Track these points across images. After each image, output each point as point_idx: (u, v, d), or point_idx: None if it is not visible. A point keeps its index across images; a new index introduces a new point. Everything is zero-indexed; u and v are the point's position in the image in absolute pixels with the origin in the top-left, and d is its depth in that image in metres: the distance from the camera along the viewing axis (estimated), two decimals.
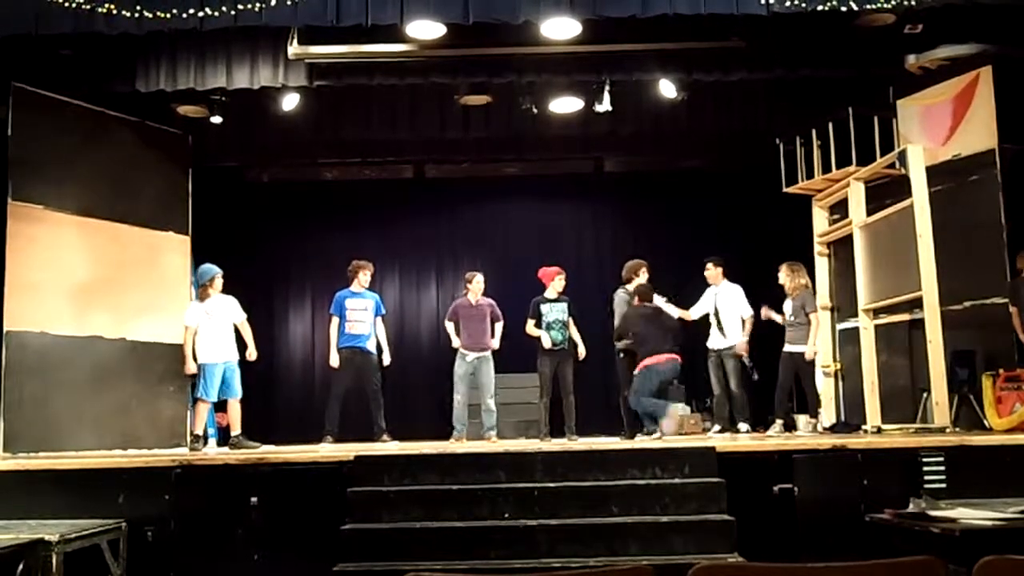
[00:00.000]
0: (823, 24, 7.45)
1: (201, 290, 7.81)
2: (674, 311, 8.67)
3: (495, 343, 8.67)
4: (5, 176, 7.85)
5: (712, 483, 5.57)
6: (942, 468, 5.52)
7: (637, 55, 8.35)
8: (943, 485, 5.45)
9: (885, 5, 7.02)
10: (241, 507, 5.65)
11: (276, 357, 11.63)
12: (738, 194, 10.73)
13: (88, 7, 6.86)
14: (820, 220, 9.46)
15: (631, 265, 8.66)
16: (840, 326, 9.17)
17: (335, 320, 8.57)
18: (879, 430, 7.92)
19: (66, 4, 6.83)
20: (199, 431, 7.72)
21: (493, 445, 7.56)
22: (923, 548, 4.00)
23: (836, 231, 9.14)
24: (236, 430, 7.71)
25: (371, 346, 8.57)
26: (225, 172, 10.73)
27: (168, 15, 6.91)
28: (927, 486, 5.42)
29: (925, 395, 7.55)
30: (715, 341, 8.99)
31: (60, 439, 7.86)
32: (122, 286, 8.60)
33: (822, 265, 9.41)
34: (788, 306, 8.65)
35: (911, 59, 8.27)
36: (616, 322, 8.43)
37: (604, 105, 8.89)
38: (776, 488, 5.63)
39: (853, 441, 6.16)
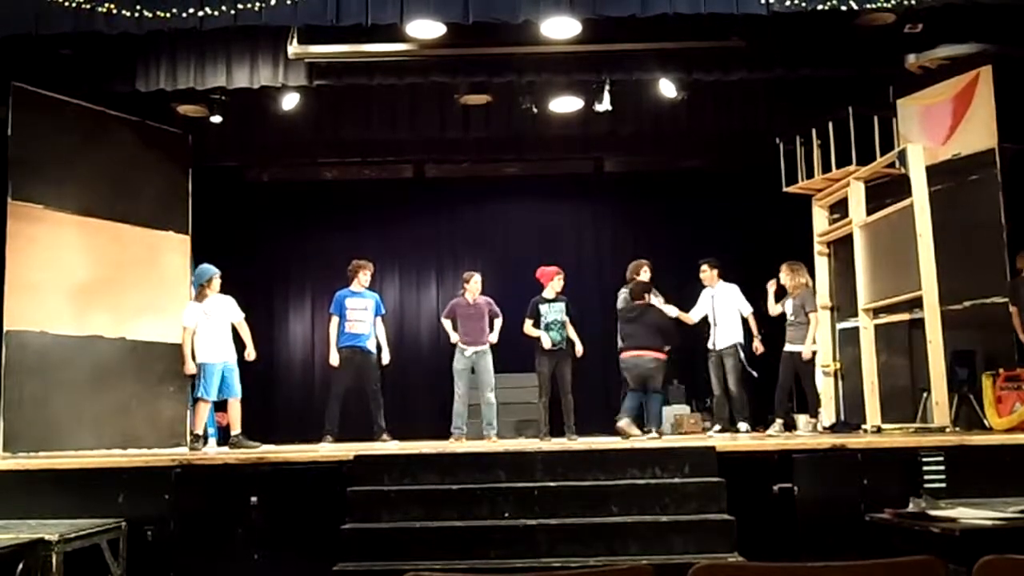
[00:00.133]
0: (823, 24, 7.45)
1: (199, 290, 7.81)
2: (672, 311, 8.67)
3: (494, 337, 8.68)
4: (5, 176, 7.85)
5: (712, 483, 5.57)
6: (942, 468, 5.52)
7: (637, 55, 8.35)
8: (943, 485, 5.45)
9: (885, 5, 7.03)
10: (241, 507, 5.65)
11: (276, 357, 11.63)
12: (738, 194, 10.73)
13: (88, 7, 6.86)
14: (820, 220, 9.46)
15: (632, 265, 8.74)
16: (840, 326, 9.17)
17: (335, 320, 8.57)
18: (879, 430, 7.93)
19: (66, 4, 6.83)
20: (199, 431, 7.72)
21: (493, 445, 7.56)
22: (923, 548, 3.99)
23: (836, 231, 9.14)
24: (236, 430, 7.71)
25: (371, 346, 8.57)
26: (225, 172, 10.73)
27: (168, 15, 6.91)
28: (927, 486, 5.42)
29: (925, 395, 7.55)
30: (715, 341, 8.99)
31: (60, 439, 7.85)
32: (122, 286, 8.60)
33: (822, 265, 9.41)
34: (789, 305, 8.65)
35: (911, 59, 8.27)
36: None
37: (604, 105, 8.89)
38: (776, 488, 5.63)
39: (853, 441, 6.16)
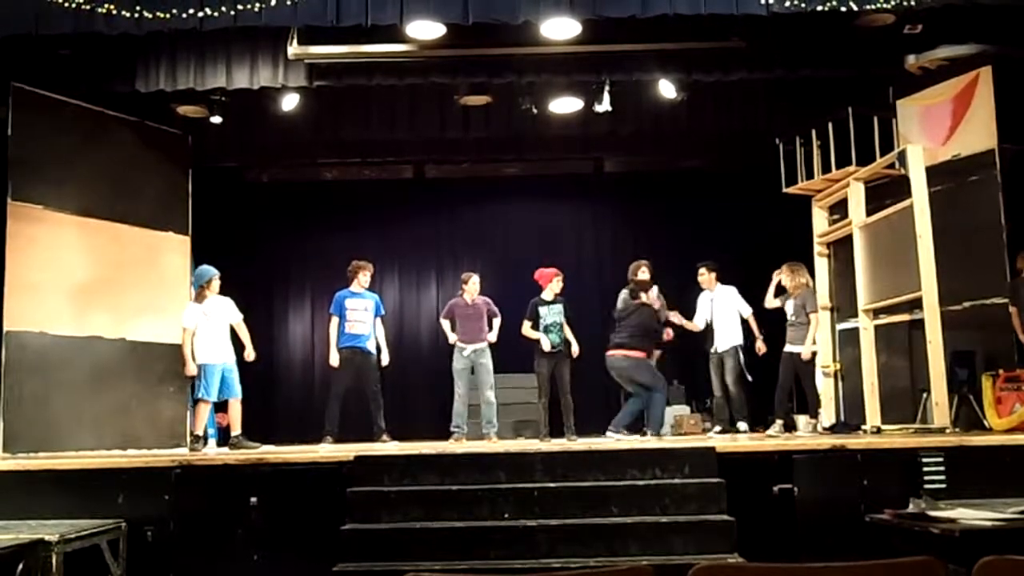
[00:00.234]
0: (823, 24, 7.46)
1: (198, 291, 7.81)
2: (675, 317, 8.67)
3: (492, 337, 8.69)
4: (5, 176, 7.85)
5: (712, 483, 5.57)
6: (942, 468, 5.52)
7: (637, 55, 8.35)
8: (943, 485, 5.45)
9: (885, 5, 7.03)
10: (241, 507, 5.65)
11: (276, 357, 11.63)
12: (738, 194, 10.73)
13: (88, 7, 6.86)
14: (820, 220, 9.46)
15: (632, 266, 8.75)
16: (840, 326, 9.16)
17: (335, 320, 8.57)
18: (879, 430, 7.92)
19: (66, 4, 6.83)
20: (199, 431, 7.72)
21: (493, 445, 7.56)
22: (923, 548, 3.99)
23: (836, 231, 9.14)
24: (236, 430, 7.71)
25: (371, 346, 8.57)
26: (225, 172, 10.73)
27: (168, 15, 6.91)
28: (927, 486, 5.42)
29: (925, 395, 7.55)
30: (715, 343, 8.99)
31: (60, 439, 7.86)
32: (122, 286, 8.60)
33: (822, 265, 9.41)
34: (790, 306, 8.66)
35: (911, 59, 8.27)
36: None
37: (604, 105, 8.89)
38: (776, 488, 5.63)
39: (853, 441, 6.16)
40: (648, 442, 7.15)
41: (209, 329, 7.68)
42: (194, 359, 7.65)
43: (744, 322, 9.03)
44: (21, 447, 7.50)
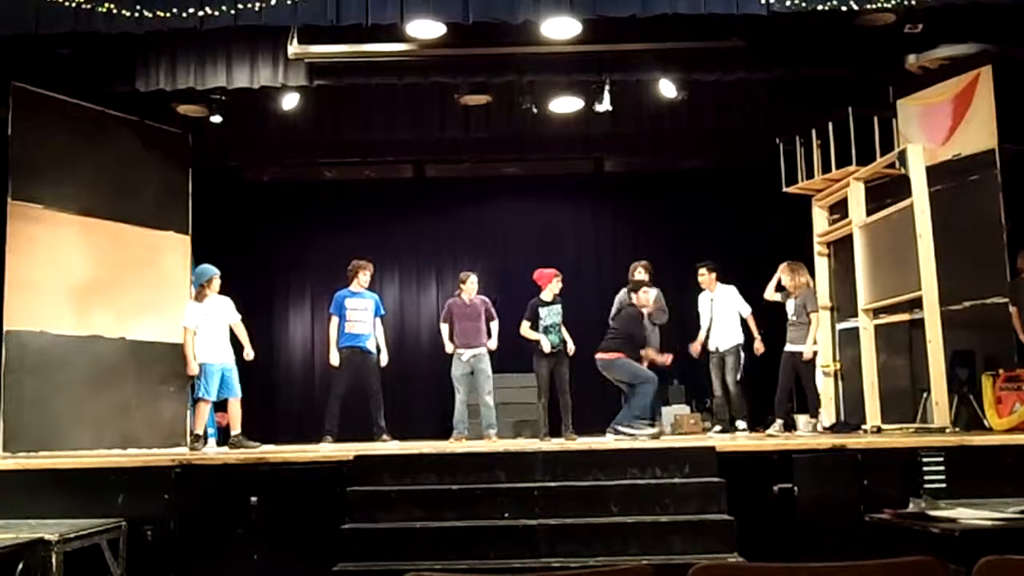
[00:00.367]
0: (823, 24, 7.46)
1: (199, 290, 7.79)
2: (694, 350, 8.73)
3: (492, 343, 8.67)
4: (5, 176, 7.85)
5: (712, 483, 5.57)
6: (942, 468, 5.52)
7: (637, 55, 8.36)
8: (943, 485, 5.45)
9: (885, 5, 7.03)
10: (241, 507, 5.64)
11: (276, 357, 11.63)
12: (738, 194, 10.73)
13: (88, 6, 6.86)
14: (820, 220, 9.46)
15: (631, 267, 8.75)
16: (840, 326, 9.17)
17: (335, 320, 8.57)
18: (879, 430, 7.92)
19: (66, 3, 6.83)
20: (199, 431, 7.72)
21: (493, 445, 7.55)
22: (923, 548, 3.99)
23: (836, 231, 9.14)
24: (236, 430, 7.70)
25: (371, 346, 8.57)
26: (225, 172, 10.73)
27: (168, 14, 6.91)
28: (927, 486, 5.42)
29: (925, 395, 7.55)
30: (716, 343, 9.00)
31: (60, 439, 7.86)
32: (122, 286, 8.60)
33: (822, 265, 9.41)
34: (790, 305, 8.65)
35: (911, 59, 8.27)
36: None
37: (604, 105, 8.89)
38: (776, 488, 5.63)
39: (853, 441, 6.15)
40: (648, 442, 7.14)
41: (209, 328, 7.67)
42: (194, 358, 7.64)
43: (744, 322, 9.03)
44: (21, 446, 7.50)
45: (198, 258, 8.68)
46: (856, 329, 8.60)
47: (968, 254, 7.78)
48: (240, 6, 6.91)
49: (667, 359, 8.24)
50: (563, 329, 8.45)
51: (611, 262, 10.80)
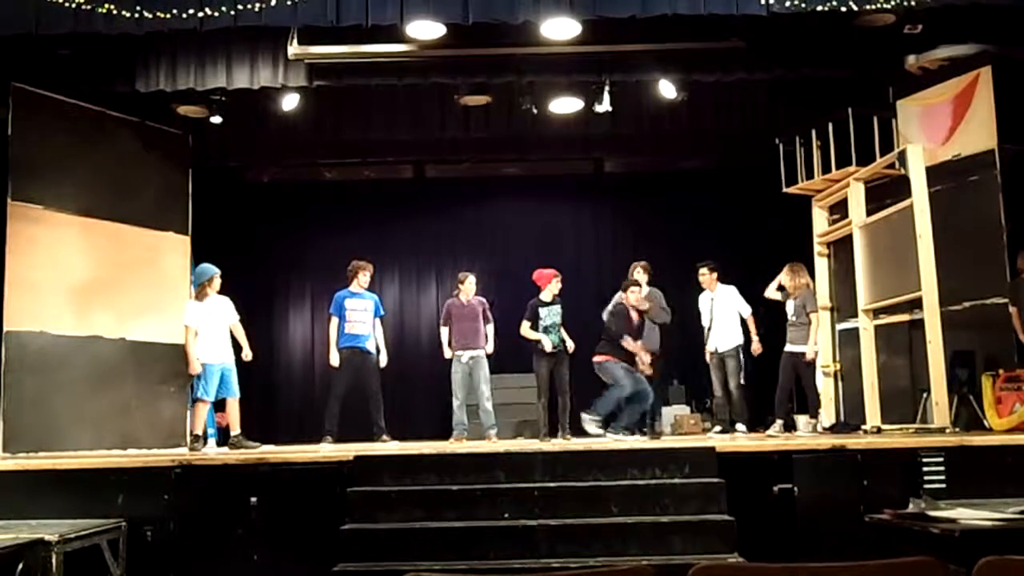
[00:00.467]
0: (823, 24, 7.46)
1: (199, 289, 7.79)
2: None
3: (489, 347, 8.67)
4: (5, 176, 7.85)
5: (712, 483, 5.57)
6: (942, 468, 5.52)
7: (637, 55, 8.36)
8: (943, 485, 5.45)
9: (885, 5, 7.03)
10: (241, 507, 5.64)
11: (276, 357, 11.63)
12: (738, 194, 10.74)
13: (88, 7, 6.86)
14: (820, 220, 9.46)
15: (630, 267, 8.76)
16: (840, 326, 9.17)
17: (335, 320, 8.57)
18: (879, 430, 7.92)
19: (66, 4, 6.83)
20: (198, 431, 7.72)
21: (493, 445, 7.55)
22: (923, 548, 3.99)
23: (836, 231, 9.15)
24: (235, 430, 7.70)
25: (371, 346, 8.57)
26: (225, 172, 10.73)
27: (168, 15, 6.91)
28: (927, 486, 5.42)
29: (925, 395, 7.55)
30: (716, 343, 9.00)
31: (60, 439, 7.86)
32: (122, 286, 8.60)
33: (822, 265, 9.41)
34: (790, 306, 8.66)
35: (911, 59, 8.27)
36: None
37: (604, 105, 8.90)
38: (776, 488, 5.62)
39: (853, 441, 6.16)
40: (648, 442, 7.15)
41: (210, 328, 7.68)
42: (196, 357, 7.64)
43: (744, 322, 9.03)
44: (21, 447, 7.50)
45: (198, 258, 8.68)
46: (856, 329, 8.61)
47: (968, 254, 7.78)
48: (240, 7, 6.91)
49: (645, 356, 8.05)
50: (562, 329, 8.46)
51: (611, 262, 10.81)
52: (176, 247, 9.20)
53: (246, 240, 11.10)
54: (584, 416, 7.80)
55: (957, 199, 7.96)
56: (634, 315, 8.16)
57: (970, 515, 4.41)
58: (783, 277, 8.71)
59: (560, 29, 7.69)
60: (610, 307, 8.37)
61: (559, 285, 8.57)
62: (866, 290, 8.37)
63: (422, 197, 11.70)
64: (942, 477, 5.49)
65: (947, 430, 7.12)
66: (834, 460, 5.73)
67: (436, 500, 5.54)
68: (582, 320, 8.86)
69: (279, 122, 9.47)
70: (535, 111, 9.25)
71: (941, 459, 5.54)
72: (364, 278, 8.68)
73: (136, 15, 6.91)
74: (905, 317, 8.12)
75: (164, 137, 9.18)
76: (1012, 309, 7.51)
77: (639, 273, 8.75)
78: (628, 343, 8.00)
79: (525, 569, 4.94)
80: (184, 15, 6.91)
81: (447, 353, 8.67)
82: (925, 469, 5.52)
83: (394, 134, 9.88)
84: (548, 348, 8.30)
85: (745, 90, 9.28)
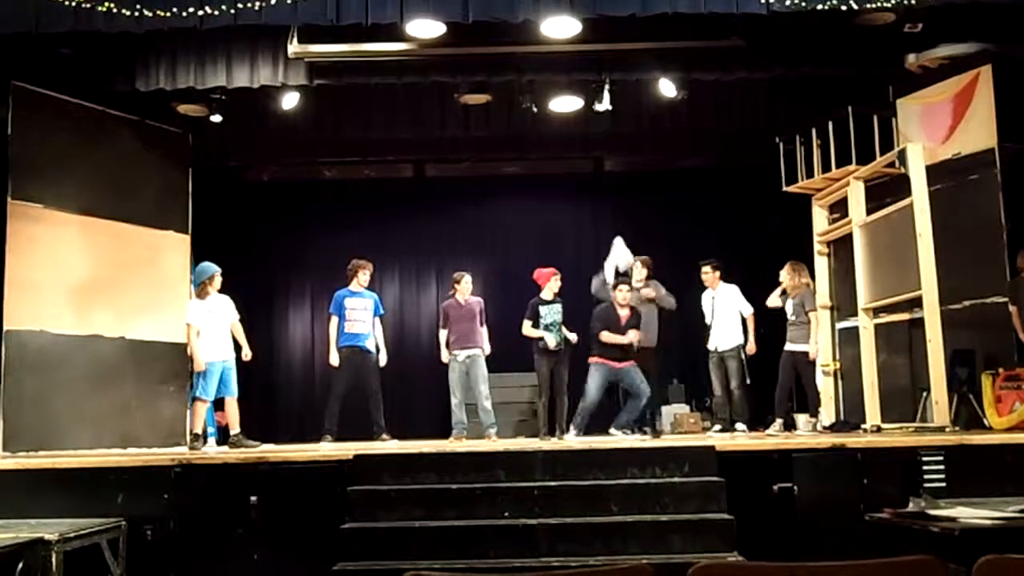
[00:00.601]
0: (823, 23, 7.46)
1: (200, 288, 7.79)
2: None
3: (486, 348, 8.67)
4: (5, 175, 7.84)
5: (712, 482, 5.57)
6: (942, 467, 5.52)
7: (637, 54, 8.36)
8: (943, 484, 5.45)
9: (885, 4, 7.02)
10: (241, 506, 5.64)
11: (276, 357, 11.63)
12: (738, 193, 10.73)
13: (88, 6, 6.85)
14: (820, 219, 9.46)
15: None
16: (840, 325, 9.17)
17: (334, 320, 8.57)
18: (879, 429, 7.92)
19: (66, 3, 6.82)
20: (198, 430, 7.72)
21: (493, 444, 7.56)
22: (922, 547, 3.99)
23: (836, 230, 9.15)
24: (235, 429, 7.71)
25: (370, 345, 8.57)
26: (225, 171, 10.73)
27: (168, 14, 6.90)
28: (927, 485, 5.41)
29: (925, 394, 7.55)
30: (716, 342, 9.00)
31: (60, 438, 7.86)
32: (122, 285, 8.60)
33: (822, 264, 9.42)
34: (789, 305, 8.66)
35: (911, 58, 8.27)
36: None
37: (604, 104, 8.89)
38: (776, 487, 5.62)
39: (853, 440, 6.15)
40: (648, 441, 7.16)
41: (211, 327, 7.68)
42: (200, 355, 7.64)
43: (744, 321, 9.03)
44: (21, 446, 7.50)
45: (198, 257, 8.67)
46: (856, 328, 8.61)
47: (968, 253, 7.78)
48: (240, 5, 6.91)
49: (631, 336, 8.10)
50: (564, 328, 8.46)
51: None
52: (176, 246, 9.20)
53: (246, 239, 11.09)
54: (613, 432, 7.92)
55: (957, 198, 7.95)
56: (623, 313, 8.17)
57: (970, 514, 4.41)
58: (784, 275, 8.71)
59: (560, 27, 7.69)
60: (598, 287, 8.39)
61: (559, 284, 8.58)
62: (866, 289, 8.37)
63: (422, 196, 11.69)
64: (942, 476, 5.49)
65: (947, 429, 7.12)
66: (834, 459, 5.73)
67: (436, 499, 5.54)
68: (582, 319, 8.83)
69: (279, 121, 9.47)
70: (535, 110, 9.25)
71: (941, 458, 5.54)
72: (364, 277, 8.68)
73: (136, 14, 6.90)
74: (905, 316, 8.12)
75: (164, 136, 9.18)
76: (1012, 308, 7.51)
77: (638, 268, 8.77)
78: (606, 336, 8.03)
79: (525, 568, 4.94)
80: (184, 14, 6.91)
81: (444, 357, 8.65)
82: (925, 468, 5.52)
83: (394, 133, 9.88)
84: (551, 345, 8.31)
85: (745, 89, 9.28)
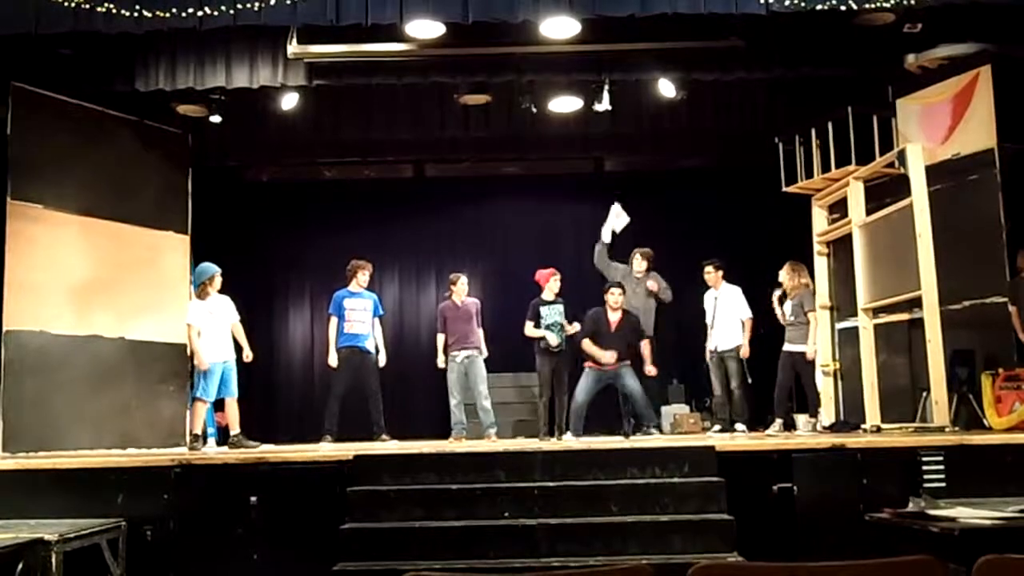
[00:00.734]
0: (822, 23, 7.46)
1: (200, 288, 7.80)
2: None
3: (483, 349, 8.66)
4: (5, 176, 7.84)
5: (711, 482, 5.58)
6: (941, 467, 5.52)
7: (636, 54, 8.36)
8: (942, 484, 5.45)
9: (884, 4, 7.02)
10: (240, 506, 5.64)
11: (276, 357, 11.62)
12: (738, 193, 10.73)
13: (88, 6, 6.85)
14: (819, 219, 9.46)
15: (630, 255, 8.89)
16: (840, 325, 9.16)
17: (334, 320, 8.57)
18: (878, 429, 7.92)
19: (65, 3, 6.82)
20: (197, 430, 7.72)
21: (492, 444, 7.56)
22: (922, 547, 3.99)
23: (835, 230, 9.14)
24: (235, 429, 7.71)
25: (370, 345, 8.57)
26: (225, 172, 10.72)
27: (167, 14, 6.90)
28: (926, 485, 5.42)
29: (924, 394, 7.55)
30: (716, 342, 9.00)
31: (59, 438, 7.85)
32: (122, 286, 8.60)
33: (821, 264, 9.41)
34: (788, 306, 8.67)
35: (910, 58, 8.27)
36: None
37: (604, 104, 8.89)
38: (775, 487, 5.62)
39: (852, 440, 6.15)
40: (648, 441, 7.16)
41: (211, 327, 7.69)
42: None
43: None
44: (21, 446, 7.49)
45: (198, 258, 8.68)
46: (856, 328, 8.60)
47: (968, 253, 7.77)
48: (239, 6, 6.91)
49: (606, 356, 8.07)
50: (565, 328, 8.45)
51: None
52: (176, 246, 9.20)
53: (246, 239, 11.09)
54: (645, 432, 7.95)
55: (957, 198, 7.95)
56: (614, 317, 8.15)
57: (970, 514, 4.41)
58: (783, 276, 8.72)
59: (560, 28, 7.69)
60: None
61: (558, 284, 8.59)
62: (866, 289, 8.37)
63: (422, 196, 11.69)
64: (942, 476, 5.49)
65: (947, 429, 7.11)
66: (834, 459, 5.73)
67: (436, 499, 5.55)
68: (583, 320, 8.84)
69: (279, 121, 9.46)
70: (535, 110, 9.25)
71: (941, 458, 5.54)
72: (363, 277, 8.69)
73: (136, 14, 6.90)
74: (905, 316, 8.12)
75: (164, 136, 9.18)
76: (1012, 308, 7.51)
77: (638, 260, 8.79)
78: (587, 346, 8.04)
79: (525, 568, 4.94)
80: (184, 14, 6.91)
81: (440, 362, 8.64)
82: (925, 468, 5.52)
83: (394, 133, 9.88)
84: (553, 344, 8.31)
85: (745, 89, 9.29)
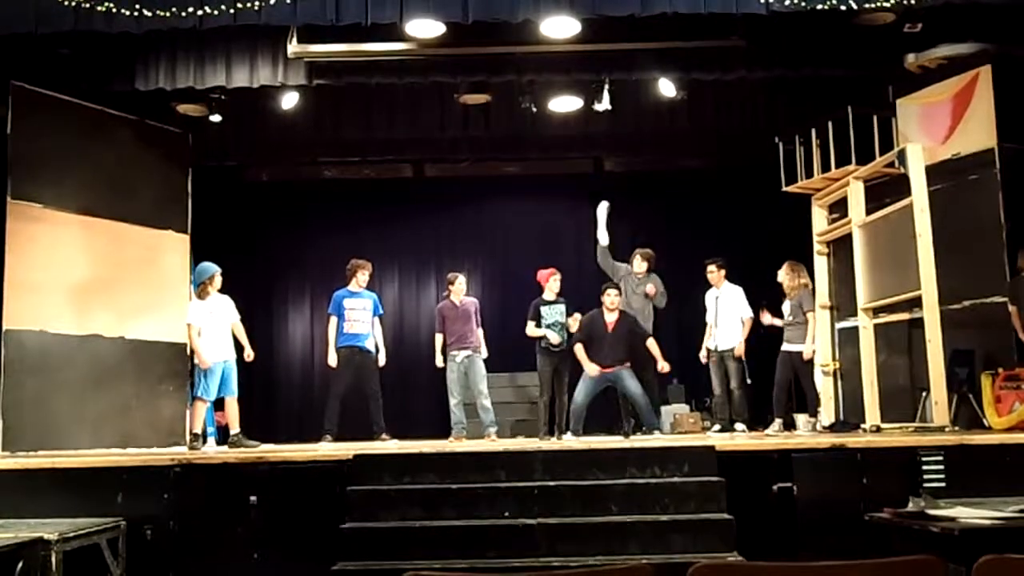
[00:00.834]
0: (822, 23, 7.46)
1: (201, 288, 7.79)
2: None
3: (483, 351, 8.66)
4: (5, 175, 7.84)
5: (711, 482, 5.57)
6: (941, 467, 5.52)
7: (636, 54, 8.35)
8: (942, 484, 5.45)
9: (885, 4, 7.02)
10: (240, 506, 5.64)
11: (276, 357, 11.63)
12: (738, 193, 10.74)
13: (87, 5, 6.85)
14: (819, 219, 9.46)
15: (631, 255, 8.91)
16: (839, 325, 9.17)
17: (333, 320, 8.56)
18: (878, 429, 7.92)
19: (65, 3, 6.82)
20: (197, 430, 7.72)
21: (492, 444, 7.56)
22: (922, 547, 3.99)
23: (835, 230, 9.15)
24: (235, 429, 7.71)
25: (370, 345, 8.57)
26: (225, 171, 10.72)
27: (167, 14, 6.90)
28: (926, 485, 5.42)
29: (924, 394, 7.55)
30: (716, 341, 9.00)
31: (59, 438, 7.85)
32: (121, 285, 8.60)
33: (821, 264, 9.41)
34: (787, 305, 8.67)
35: (910, 58, 8.27)
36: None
37: (604, 104, 8.90)
38: (775, 487, 5.63)
39: (852, 440, 6.15)
40: (648, 441, 7.16)
41: (211, 327, 7.68)
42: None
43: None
44: (20, 445, 7.49)
45: (197, 257, 8.67)
46: (855, 328, 8.60)
47: (968, 253, 7.78)
48: (240, 5, 6.91)
49: (592, 368, 8.02)
50: (567, 328, 8.45)
51: None
52: (176, 246, 9.20)
53: (246, 239, 11.10)
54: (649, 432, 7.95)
55: (957, 198, 7.95)
56: (611, 318, 8.13)
57: (969, 514, 4.41)
58: (782, 275, 8.72)
59: (560, 27, 7.69)
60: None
61: (559, 284, 8.59)
62: (865, 289, 8.37)
63: (422, 196, 11.69)
64: (941, 476, 5.49)
65: (946, 429, 7.12)
66: (834, 459, 5.73)
67: (436, 499, 5.55)
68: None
69: (279, 121, 9.46)
70: (535, 110, 9.26)
71: (940, 458, 5.54)
72: (363, 277, 8.68)
73: (136, 14, 6.90)
74: (904, 316, 8.12)
75: (164, 136, 9.18)
76: (1012, 308, 7.51)
77: (638, 261, 8.79)
78: (578, 351, 8.07)
79: (525, 568, 4.94)
80: (183, 13, 6.91)
81: (439, 361, 8.64)
82: (924, 468, 5.52)
83: (394, 133, 9.88)
84: (554, 342, 8.31)
85: (745, 89, 9.28)
